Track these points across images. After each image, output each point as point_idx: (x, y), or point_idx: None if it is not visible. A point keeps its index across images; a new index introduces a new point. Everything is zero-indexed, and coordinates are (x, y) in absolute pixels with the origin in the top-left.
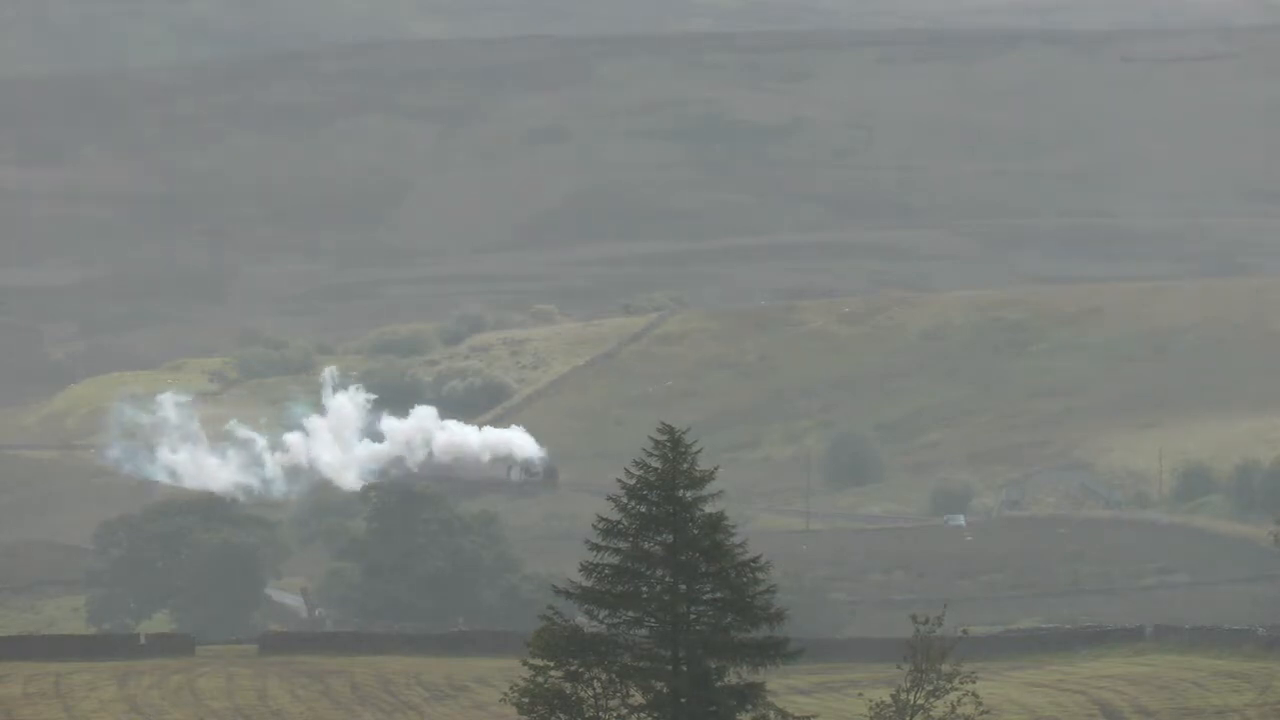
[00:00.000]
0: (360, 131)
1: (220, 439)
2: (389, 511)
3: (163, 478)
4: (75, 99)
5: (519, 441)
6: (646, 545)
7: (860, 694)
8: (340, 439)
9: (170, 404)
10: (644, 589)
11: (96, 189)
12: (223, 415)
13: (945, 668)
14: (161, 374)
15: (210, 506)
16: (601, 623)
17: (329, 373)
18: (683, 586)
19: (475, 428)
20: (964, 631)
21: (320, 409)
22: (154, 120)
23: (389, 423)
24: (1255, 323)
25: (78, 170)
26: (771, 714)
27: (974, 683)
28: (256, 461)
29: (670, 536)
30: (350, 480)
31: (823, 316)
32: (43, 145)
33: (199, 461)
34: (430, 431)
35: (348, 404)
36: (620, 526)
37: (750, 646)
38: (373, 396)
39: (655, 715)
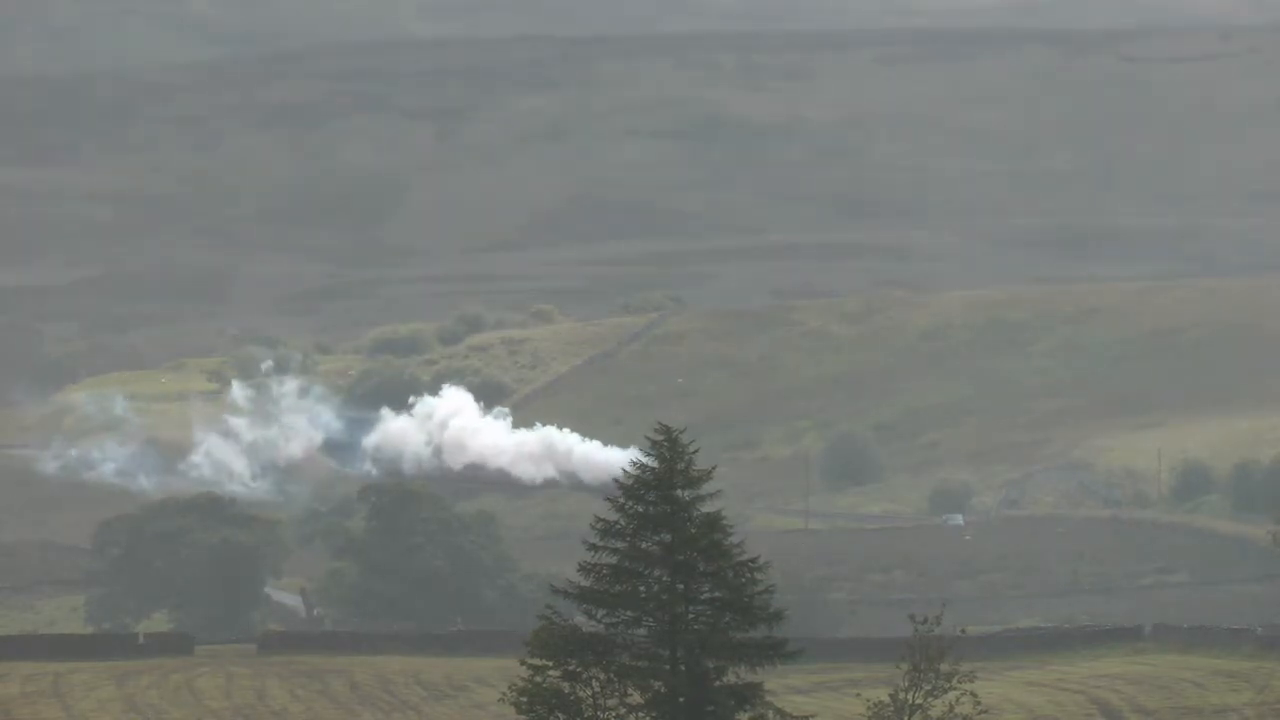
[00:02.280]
0: (359, 131)
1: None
2: (387, 511)
3: (57, 474)
4: (75, 99)
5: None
6: (644, 545)
7: (859, 694)
8: (247, 437)
9: (87, 402)
10: (642, 589)
11: (96, 189)
12: (219, 415)
13: (944, 667)
14: (161, 374)
15: (209, 506)
16: (600, 622)
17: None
18: (681, 586)
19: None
20: (962, 631)
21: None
22: (153, 120)
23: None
24: (1254, 322)
25: (77, 170)
26: (770, 714)
27: (972, 682)
28: (168, 465)
29: (668, 536)
30: (239, 489)
31: (821, 316)
32: (42, 145)
33: (92, 461)
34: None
35: (240, 397)
36: (618, 526)
37: (748, 646)
38: (287, 385)
39: (654, 715)
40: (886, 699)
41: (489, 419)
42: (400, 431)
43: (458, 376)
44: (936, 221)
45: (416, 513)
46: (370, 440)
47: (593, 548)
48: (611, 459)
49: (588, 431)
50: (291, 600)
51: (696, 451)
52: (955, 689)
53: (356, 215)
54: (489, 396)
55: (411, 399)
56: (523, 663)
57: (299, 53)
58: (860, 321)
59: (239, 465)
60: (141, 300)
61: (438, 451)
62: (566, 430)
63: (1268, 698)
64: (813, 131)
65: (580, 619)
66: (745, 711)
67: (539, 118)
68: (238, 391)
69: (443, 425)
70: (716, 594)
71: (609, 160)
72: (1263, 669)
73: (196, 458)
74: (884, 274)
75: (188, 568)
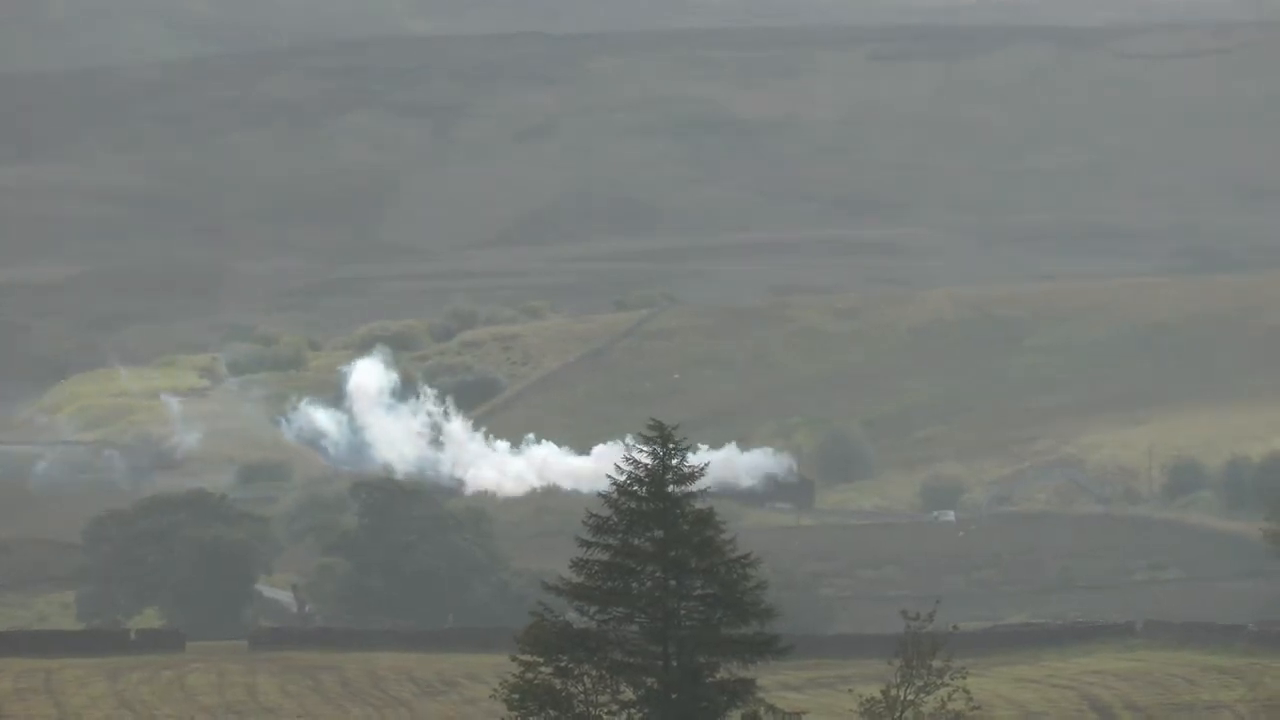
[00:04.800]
0: (353, 128)
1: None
2: (379, 508)
3: None
4: (69, 95)
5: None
6: (637, 541)
7: (851, 690)
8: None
9: None
10: (634, 585)
11: (89, 185)
12: (210, 412)
13: (936, 663)
14: (152, 370)
15: (201, 502)
16: (592, 619)
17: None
18: (673, 582)
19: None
20: (954, 627)
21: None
22: (147, 116)
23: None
24: (1245, 318)
25: (71, 166)
26: (762, 710)
27: (964, 679)
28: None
29: (660, 532)
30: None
31: (814, 313)
32: (36, 141)
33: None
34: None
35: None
36: (610, 523)
37: (740, 643)
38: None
39: (646, 711)
40: (878, 695)
41: (398, 406)
42: (320, 420)
43: (449, 373)
44: (930, 218)
45: (408, 509)
46: (291, 431)
47: (585, 544)
48: (505, 464)
49: (579, 427)
50: (283, 597)
51: (689, 448)
52: (947, 685)
53: (350, 212)
54: (481, 393)
55: (337, 368)
56: (514, 659)
57: (293, 49)
58: (853, 318)
59: (115, 461)
60: (133, 296)
61: (357, 443)
62: (478, 431)
63: (1260, 694)
64: (807, 128)
65: (572, 615)
66: (737, 708)
67: (533, 114)
68: (126, 381)
69: (354, 410)
70: (708, 590)
71: (602, 157)
72: (1255, 665)
73: (43, 465)
74: (877, 270)
75: (179, 564)
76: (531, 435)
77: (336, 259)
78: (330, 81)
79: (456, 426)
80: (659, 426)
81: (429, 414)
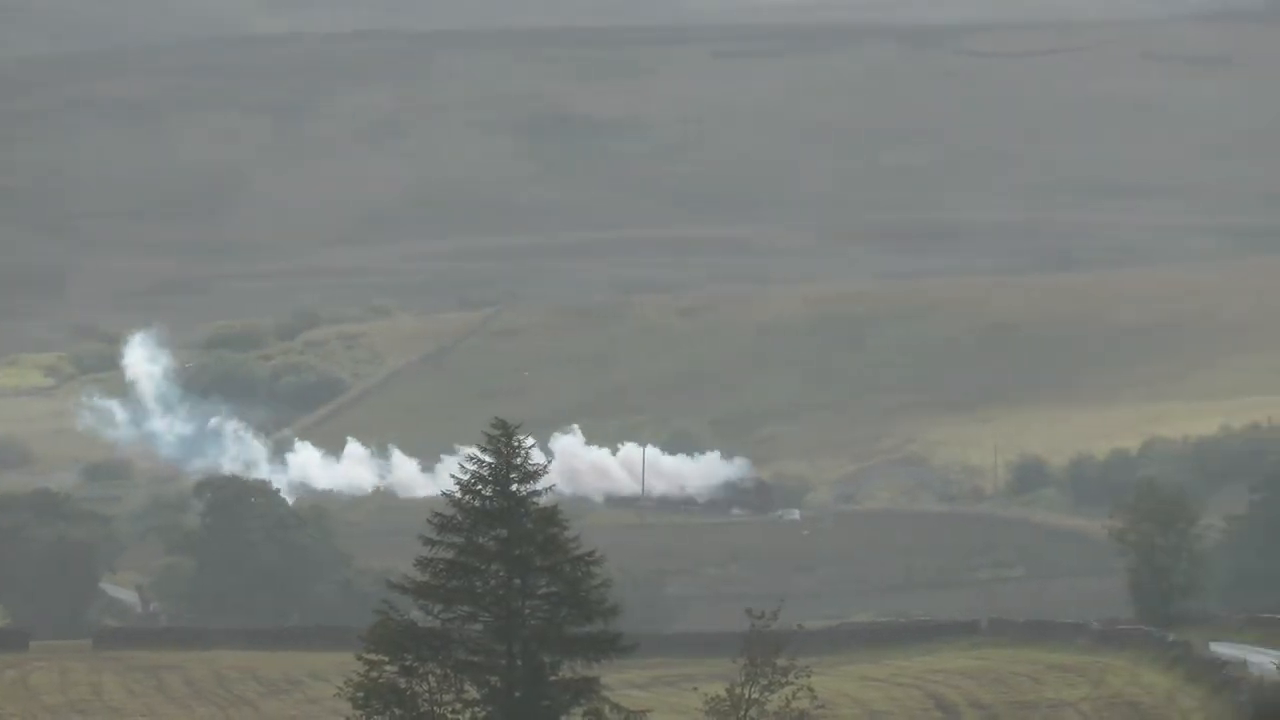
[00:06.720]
0: (199, 126)
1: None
2: (222, 507)
3: None
4: None
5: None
6: (481, 540)
7: (695, 688)
8: None
9: None
10: (478, 584)
11: None
12: (54, 411)
13: (780, 662)
14: None
15: (44, 502)
16: (436, 617)
17: None
18: (517, 581)
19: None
20: (799, 626)
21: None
22: None
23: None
24: (1090, 317)
25: None
26: (605, 708)
27: (809, 677)
28: None
29: (505, 531)
30: None
31: (660, 311)
32: None
33: None
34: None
35: None
36: (455, 521)
37: (584, 641)
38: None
39: (490, 710)
40: (723, 694)
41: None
42: (106, 411)
43: (293, 372)
44: (776, 216)
45: (251, 508)
46: (83, 422)
47: (430, 543)
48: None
49: (423, 426)
50: (127, 596)
51: (533, 446)
52: (792, 684)
53: (195, 210)
54: (326, 392)
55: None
56: (359, 658)
57: (140, 48)
58: (698, 316)
59: None
60: None
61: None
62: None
63: (1103, 692)
64: (652, 126)
65: (417, 614)
66: (581, 706)
67: (378, 112)
68: None
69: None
70: (553, 589)
71: (447, 155)
72: (1098, 663)
73: None
74: (723, 269)
75: (23, 564)
76: (289, 432)
77: (183, 257)
78: (178, 79)
79: (228, 425)
80: (502, 425)
81: (188, 414)
